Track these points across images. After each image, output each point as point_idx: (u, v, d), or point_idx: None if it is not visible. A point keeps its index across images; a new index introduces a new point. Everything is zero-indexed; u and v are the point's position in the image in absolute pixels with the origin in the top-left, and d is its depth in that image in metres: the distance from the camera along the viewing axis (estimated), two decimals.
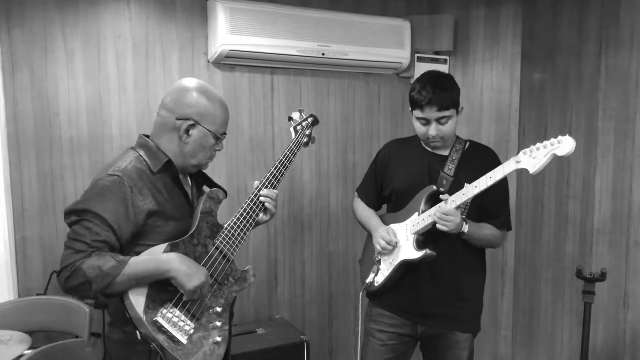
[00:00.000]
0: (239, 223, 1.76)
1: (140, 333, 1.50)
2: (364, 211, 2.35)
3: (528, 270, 3.48)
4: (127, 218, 1.53)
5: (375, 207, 2.36)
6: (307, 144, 2.10)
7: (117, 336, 1.62)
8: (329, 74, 3.28)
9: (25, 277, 2.62)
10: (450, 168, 2.10)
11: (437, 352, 2.21)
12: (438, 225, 1.96)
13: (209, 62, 2.96)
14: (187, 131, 1.65)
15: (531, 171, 1.77)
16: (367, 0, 3.33)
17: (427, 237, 2.08)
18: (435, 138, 2.09)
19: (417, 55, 3.41)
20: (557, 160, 3.19)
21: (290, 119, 2.11)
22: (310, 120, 2.13)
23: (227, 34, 2.78)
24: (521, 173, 3.46)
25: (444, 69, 3.51)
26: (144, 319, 1.49)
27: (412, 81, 3.41)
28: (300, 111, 2.14)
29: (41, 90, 2.62)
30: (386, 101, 3.49)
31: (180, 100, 1.65)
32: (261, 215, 1.85)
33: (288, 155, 1.95)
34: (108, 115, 2.75)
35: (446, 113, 2.05)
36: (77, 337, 2.46)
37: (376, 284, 2.18)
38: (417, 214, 2.10)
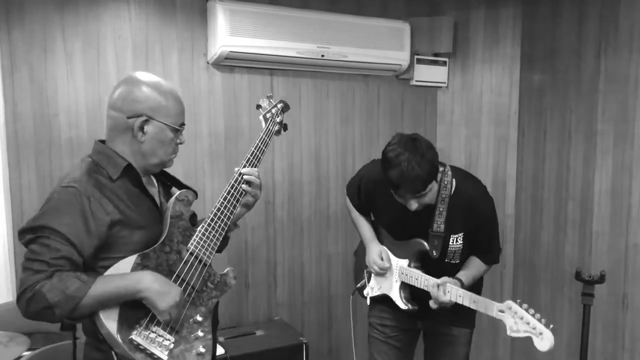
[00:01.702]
0: (212, 224, 1.64)
1: (116, 353, 1.42)
2: (357, 217, 2.35)
3: (527, 272, 3.49)
4: (88, 231, 1.41)
5: (363, 214, 2.35)
6: (278, 132, 1.95)
7: (95, 355, 1.51)
8: (329, 75, 3.28)
9: None
10: (438, 224, 2.02)
11: (436, 347, 2.28)
12: (432, 304, 1.99)
13: (208, 63, 2.96)
14: (141, 128, 1.53)
15: (507, 332, 1.78)
16: (367, 2, 3.33)
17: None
18: (417, 209, 1.97)
19: (416, 56, 3.42)
20: (556, 162, 3.21)
21: (259, 106, 1.97)
22: (279, 106, 1.98)
23: (226, 35, 2.78)
24: (521, 174, 3.47)
25: (443, 70, 3.52)
26: (118, 337, 1.39)
27: (411, 82, 3.47)
28: (269, 97, 1.99)
29: (40, 90, 2.62)
30: (385, 103, 3.49)
31: (128, 97, 1.53)
32: (239, 207, 1.73)
33: (259, 146, 1.81)
34: None
35: (424, 192, 1.92)
36: (77, 338, 2.46)
37: (365, 294, 2.28)
38: (407, 262, 2.12)
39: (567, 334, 3.20)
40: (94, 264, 1.47)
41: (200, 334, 1.56)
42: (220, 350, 2.60)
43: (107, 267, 1.45)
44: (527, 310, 1.75)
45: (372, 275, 2.25)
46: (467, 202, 2.04)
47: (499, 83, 3.52)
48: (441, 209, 2.02)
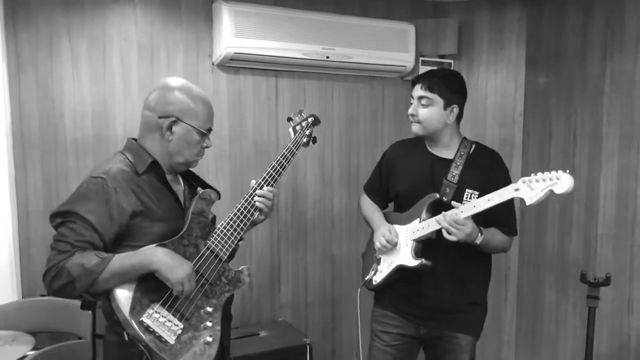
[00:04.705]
0: (232, 223, 1.74)
1: (128, 334, 1.50)
2: (368, 207, 2.37)
3: (531, 275, 3.47)
4: (111, 218, 1.54)
5: (381, 204, 2.38)
6: (307, 144, 2.07)
7: (113, 338, 1.60)
8: (333, 77, 3.29)
9: (28, 278, 2.62)
10: (453, 174, 2.08)
11: (437, 353, 2.20)
12: (445, 234, 1.94)
13: (213, 64, 2.97)
14: (170, 128, 1.64)
15: (527, 202, 1.77)
16: (372, 4, 3.34)
17: (428, 243, 2.07)
18: (413, 118, 2.13)
19: (421, 58, 3.41)
20: (561, 164, 3.20)
21: (290, 119, 2.08)
22: (310, 120, 2.10)
23: (231, 37, 2.79)
24: (525, 173, 3.46)
25: None
26: (130, 319, 1.49)
27: None
28: (300, 111, 2.11)
29: (46, 91, 2.63)
30: (390, 104, 3.49)
31: (162, 99, 1.65)
32: (256, 214, 1.82)
33: (286, 155, 1.92)
34: (112, 117, 2.76)
35: (428, 94, 2.08)
36: (80, 338, 2.47)
37: (374, 282, 2.20)
38: (417, 220, 2.09)
39: (572, 337, 3.18)
40: (113, 249, 1.56)
41: (209, 324, 1.63)
42: None
43: None
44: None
45: (381, 259, 2.19)
46: (485, 162, 2.10)
47: (504, 85, 3.51)
48: (458, 163, 2.10)
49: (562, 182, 1.69)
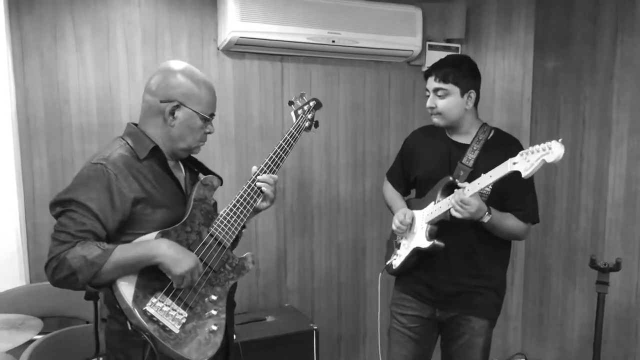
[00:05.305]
0: (235, 209, 1.70)
1: (131, 323, 1.47)
2: (390, 194, 2.42)
3: (538, 261, 3.46)
4: (112, 206, 1.49)
5: (403, 191, 2.41)
6: (309, 128, 2.04)
7: (115, 327, 1.57)
8: (339, 61, 3.26)
9: (36, 264, 2.63)
10: (469, 158, 2.09)
11: (451, 336, 2.22)
12: (452, 212, 1.96)
13: (218, 49, 2.94)
14: (172, 113, 1.60)
15: (523, 174, 1.76)
16: None
17: (444, 226, 2.08)
18: (432, 111, 2.12)
19: (428, 42, 3.37)
20: (569, 150, 3.17)
21: (291, 102, 2.05)
22: (312, 103, 2.07)
23: (237, 21, 2.76)
24: None
25: None
26: (134, 308, 1.45)
27: (423, 69, 3.42)
28: (302, 95, 2.08)
29: (51, 77, 2.62)
30: (396, 89, 3.46)
31: (164, 83, 1.61)
32: (259, 201, 1.78)
33: (288, 140, 1.88)
34: (117, 102, 2.75)
35: (443, 85, 2.06)
36: (87, 322, 2.48)
37: (394, 267, 2.26)
38: (432, 203, 2.12)
39: (579, 324, 3.18)
40: (117, 239, 1.54)
41: (214, 312, 1.61)
42: None
43: (129, 242, 1.52)
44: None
45: (401, 244, 2.25)
46: (502, 148, 2.08)
47: (512, 70, 3.47)
48: (475, 147, 2.10)
49: (553, 150, 1.69)
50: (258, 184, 1.77)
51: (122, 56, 2.75)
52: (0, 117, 2.44)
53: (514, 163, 1.79)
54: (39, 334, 2.08)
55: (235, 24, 2.76)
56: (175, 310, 1.52)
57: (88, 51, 2.68)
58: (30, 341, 2.06)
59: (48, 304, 2.52)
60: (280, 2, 2.86)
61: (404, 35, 3.20)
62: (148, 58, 2.80)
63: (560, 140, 1.71)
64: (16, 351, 1.99)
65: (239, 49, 2.94)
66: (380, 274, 2.32)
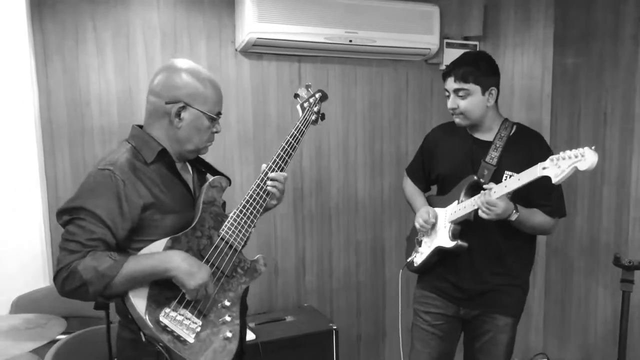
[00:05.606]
0: (244, 210, 1.65)
1: (144, 334, 1.43)
2: (410, 190, 2.41)
3: (560, 259, 3.41)
4: (121, 213, 1.45)
5: (423, 187, 2.40)
6: (315, 122, 1.96)
7: (126, 335, 1.54)
8: (356, 61, 3.25)
9: None
10: (492, 156, 2.07)
11: (475, 333, 2.21)
12: (479, 213, 1.94)
13: (236, 50, 2.96)
14: (178, 114, 1.55)
15: (553, 180, 1.74)
16: None
17: (467, 225, 2.07)
18: (455, 111, 2.10)
19: (446, 40, 3.35)
20: (590, 146, 3.12)
21: (297, 95, 1.97)
22: (317, 95, 1.99)
23: (254, 22, 2.77)
24: None
25: None
26: (147, 319, 1.41)
27: (441, 67, 3.40)
28: (307, 87, 2.00)
29: (73, 80, 2.66)
30: (414, 88, 3.44)
31: (168, 83, 1.55)
32: (268, 200, 1.73)
33: (295, 135, 1.82)
34: (137, 104, 2.78)
35: (464, 85, 2.04)
36: (110, 322, 2.51)
37: (415, 264, 2.25)
38: (456, 202, 2.10)
39: (602, 324, 3.13)
40: (126, 245, 1.50)
41: (228, 318, 1.56)
42: (251, 336, 2.62)
43: (139, 249, 1.48)
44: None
45: (422, 242, 2.24)
46: (526, 144, 2.06)
47: (531, 66, 3.43)
48: (498, 145, 2.08)
49: (586, 158, 1.68)
50: (269, 182, 1.71)
51: (141, 59, 2.78)
52: (24, 119, 2.49)
53: (544, 168, 1.77)
54: (62, 333, 2.11)
55: (252, 25, 2.78)
56: (190, 320, 1.48)
57: (108, 54, 2.71)
58: (54, 341, 2.09)
59: (70, 305, 2.53)
60: (297, 3, 2.87)
61: (421, 34, 3.18)
62: (167, 60, 2.81)
63: (593, 147, 1.68)
64: (40, 350, 2.02)
65: (257, 50, 2.95)
66: (401, 270, 2.31)
